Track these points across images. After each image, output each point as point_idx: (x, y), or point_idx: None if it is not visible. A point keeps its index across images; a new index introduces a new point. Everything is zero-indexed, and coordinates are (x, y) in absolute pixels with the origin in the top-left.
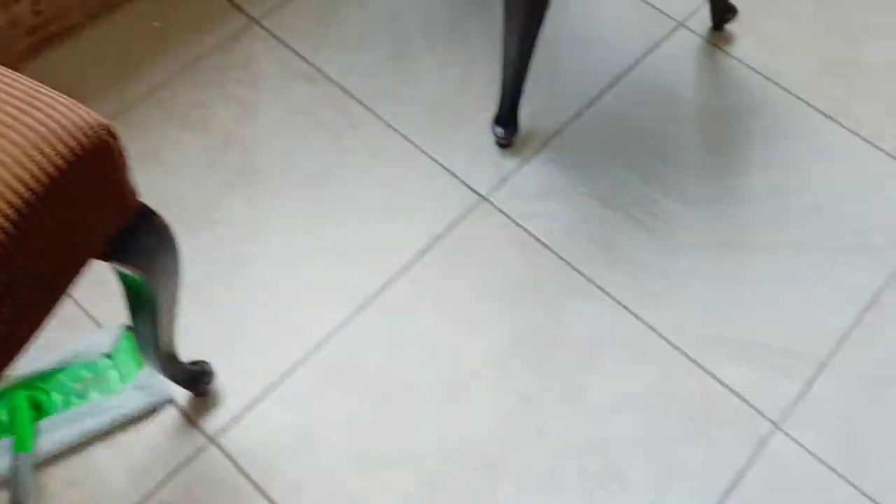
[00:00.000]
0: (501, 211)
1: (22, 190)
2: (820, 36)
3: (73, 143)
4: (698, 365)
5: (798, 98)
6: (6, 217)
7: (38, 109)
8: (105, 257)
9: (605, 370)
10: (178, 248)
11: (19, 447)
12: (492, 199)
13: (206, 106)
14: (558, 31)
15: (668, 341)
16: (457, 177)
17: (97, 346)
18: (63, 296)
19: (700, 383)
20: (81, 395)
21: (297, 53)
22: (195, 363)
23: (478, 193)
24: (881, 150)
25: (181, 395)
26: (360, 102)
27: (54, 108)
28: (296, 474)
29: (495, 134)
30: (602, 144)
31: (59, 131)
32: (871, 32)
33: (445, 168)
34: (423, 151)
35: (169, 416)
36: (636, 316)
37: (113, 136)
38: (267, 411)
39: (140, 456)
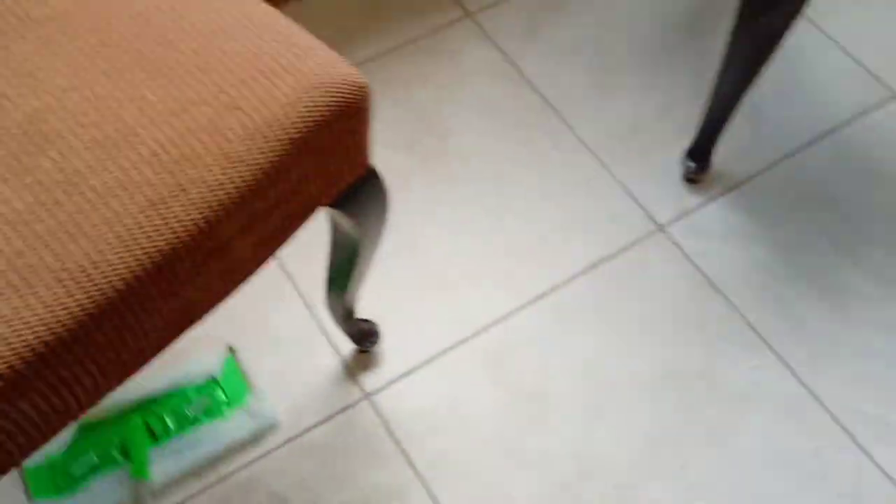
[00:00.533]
0: (677, 244)
1: (283, 134)
2: None
3: (338, 97)
4: (857, 443)
5: None
6: (272, 151)
7: (312, 59)
8: (332, 206)
9: (757, 424)
10: (388, 211)
11: (137, 473)
12: (669, 231)
13: (409, 86)
14: (769, 78)
15: (828, 411)
16: (637, 202)
17: (205, 368)
18: (294, 232)
19: (856, 462)
20: (194, 420)
21: (503, 52)
22: (366, 321)
23: (655, 222)
24: None
25: (347, 348)
26: (555, 110)
27: (326, 61)
28: (438, 445)
29: (685, 167)
30: (792, 199)
31: (329, 84)
32: None
33: (627, 191)
34: (609, 170)
35: (332, 365)
36: (799, 379)
37: (368, 96)
38: (422, 380)
39: (298, 395)
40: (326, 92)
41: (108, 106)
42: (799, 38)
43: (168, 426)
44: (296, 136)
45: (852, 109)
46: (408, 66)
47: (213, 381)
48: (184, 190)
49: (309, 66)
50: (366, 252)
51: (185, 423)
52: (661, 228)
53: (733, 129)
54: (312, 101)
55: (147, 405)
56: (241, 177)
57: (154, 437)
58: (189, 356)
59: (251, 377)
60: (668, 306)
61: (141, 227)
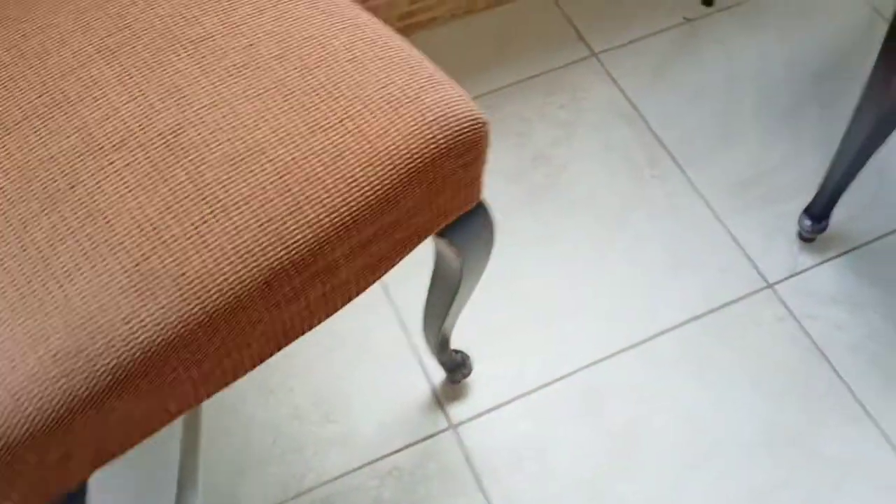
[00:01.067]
0: (785, 304)
1: (401, 163)
2: None
3: (456, 132)
4: None
5: None
6: (389, 178)
7: (436, 92)
8: (440, 235)
9: (854, 498)
10: (493, 244)
11: None
12: (777, 289)
13: (526, 121)
14: None
15: None
16: (748, 256)
17: None
18: (400, 260)
19: None
20: None
21: (624, 94)
22: (458, 352)
23: (765, 279)
24: None
25: (438, 376)
26: (672, 156)
27: (449, 95)
28: (518, 484)
29: (802, 225)
30: None
31: (449, 118)
32: None
33: (738, 244)
34: (721, 221)
35: (422, 391)
36: None
37: (486, 133)
38: (510, 416)
39: (386, 416)
40: (446, 125)
41: (244, 124)
42: None
43: None
44: (412, 166)
45: None
46: (528, 101)
47: None
48: (301, 209)
49: (432, 99)
50: (467, 283)
51: None
52: (770, 286)
53: (856, 188)
54: (431, 134)
55: None
56: (356, 201)
57: None
58: None
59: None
60: (771, 367)
61: (258, 242)
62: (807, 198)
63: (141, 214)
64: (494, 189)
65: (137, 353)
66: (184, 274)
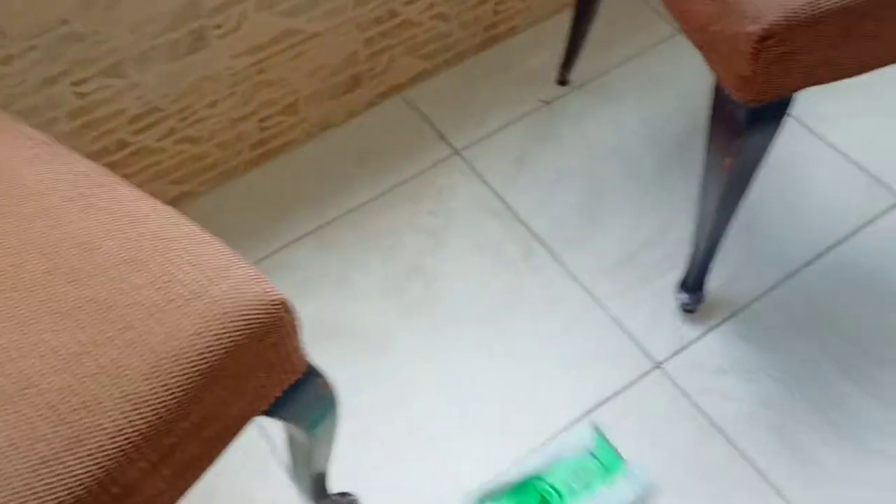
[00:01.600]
0: (675, 382)
1: (189, 366)
2: None
3: (250, 320)
4: None
5: None
6: (178, 386)
7: (224, 281)
8: (267, 414)
9: None
10: (337, 405)
11: None
12: (667, 368)
13: (396, 233)
14: (764, 193)
15: None
16: (633, 338)
17: (581, 444)
18: (223, 452)
19: None
20: (583, 488)
21: (490, 188)
22: (344, 494)
23: (652, 359)
24: None
25: None
26: (546, 246)
27: (240, 280)
28: None
29: (679, 299)
30: (795, 323)
31: (240, 307)
32: None
33: (622, 327)
34: (602, 306)
35: None
36: None
37: (289, 310)
38: None
39: None
40: (237, 316)
41: (9, 357)
42: (797, 148)
43: (561, 495)
44: (204, 367)
45: (856, 220)
46: (395, 211)
47: (591, 454)
48: (80, 441)
49: (220, 290)
50: (320, 447)
51: (573, 491)
52: (658, 366)
53: (729, 250)
54: (222, 328)
55: (537, 479)
56: (142, 418)
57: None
58: (564, 436)
59: None
60: (670, 451)
61: (32, 490)
62: (683, 267)
63: None
64: (372, 308)
65: None
66: None
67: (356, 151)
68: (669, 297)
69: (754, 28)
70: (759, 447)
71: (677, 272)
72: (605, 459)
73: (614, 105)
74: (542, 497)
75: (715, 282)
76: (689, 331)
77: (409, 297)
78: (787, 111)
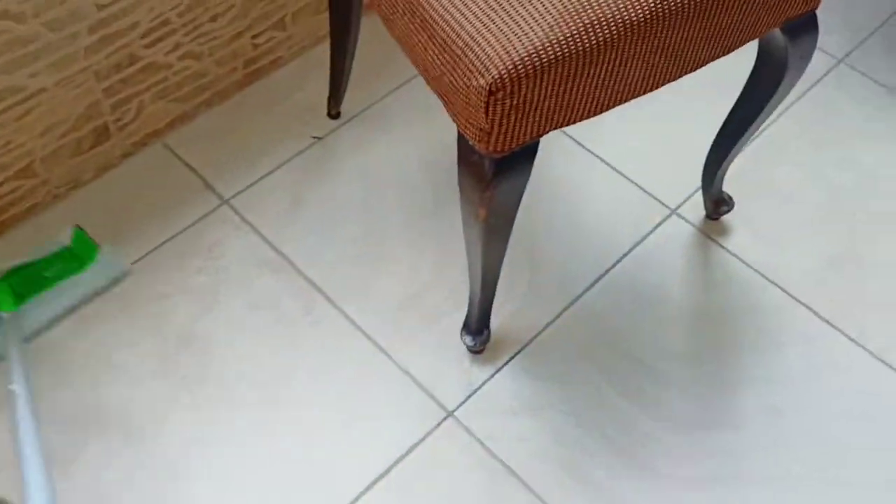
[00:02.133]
0: (468, 429)
1: None
2: (823, 229)
3: None
4: None
5: (797, 301)
6: None
7: None
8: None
9: None
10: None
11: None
12: (458, 415)
13: (165, 298)
14: (541, 217)
15: None
16: (423, 387)
17: (56, 243)
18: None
19: None
20: (53, 279)
21: (264, 239)
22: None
23: (444, 408)
24: (890, 366)
25: None
26: (326, 297)
27: None
28: None
29: (464, 342)
30: (581, 350)
31: None
32: (878, 224)
33: (411, 376)
34: (388, 356)
35: None
36: None
37: None
38: None
39: None
40: None
41: None
42: (570, 166)
43: (31, 286)
44: None
45: (632, 236)
46: (162, 272)
47: (65, 249)
48: None
49: None
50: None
51: (45, 282)
52: (450, 414)
53: (512, 282)
54: None
55: (9, 275)
56: None
57: (21, 298)
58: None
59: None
60: (472, 502)
61: None
62: (466, 307)
63: None
64: (137, 393)
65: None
66: None
67: (113, 209)
68: (456, 338)
69: (482, 82)
70: (552, 487)
71: (462, 311)
72: (82, 252)
73: (389, 135)
74: (13, 290)
75: (501, 317)
76: (478, 372)
77: (182, 372)
78: (534, 155)
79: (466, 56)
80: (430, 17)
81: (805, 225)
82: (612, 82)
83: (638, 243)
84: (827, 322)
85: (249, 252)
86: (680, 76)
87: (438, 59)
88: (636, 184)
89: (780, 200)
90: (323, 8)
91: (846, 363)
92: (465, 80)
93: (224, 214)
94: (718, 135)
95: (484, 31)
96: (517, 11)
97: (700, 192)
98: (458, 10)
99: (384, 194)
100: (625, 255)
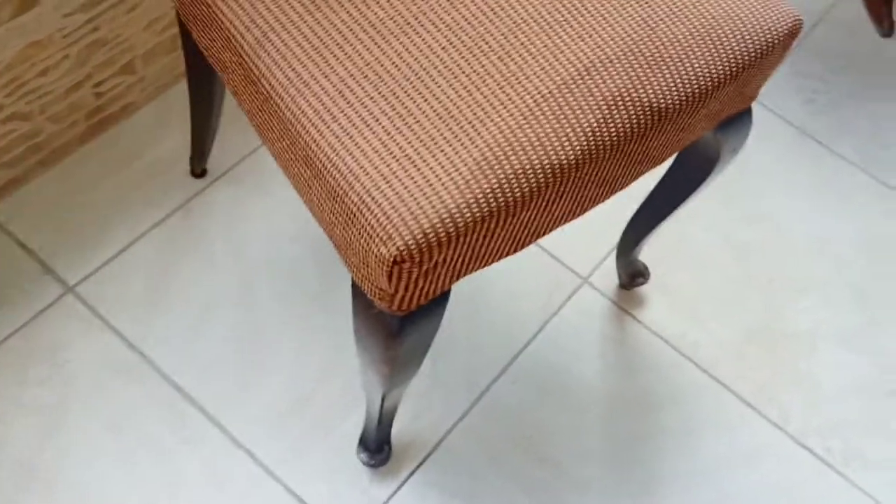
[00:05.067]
0: None
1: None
2: (740, 298)
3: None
4: None
5: (716, 380)
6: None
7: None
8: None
9: None
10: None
11: None
12: None
13: (1, 418)
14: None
15: None
16: None
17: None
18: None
19: None
20: None
21: (120, 337)
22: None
23: None
24: (809, 450)
25: None
26: (199, 407)
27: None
28: None
29: (361, 459)
30: (492, 455)
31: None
32: (795, 289)
33: (300, 500)
34: (275, 476)
35: None
36: None
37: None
38: None
39: None
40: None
41: None
42: None
43: None
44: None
45: (542, 313)
46: None
47: None
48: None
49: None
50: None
51: None
52: None
53: (414, 382)
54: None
55: None
56: None
57: None
58: None
59: None
60: None
61: None
62: (361, 408)
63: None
64: None
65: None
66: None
67: None
68: (350, 448)
69: (384, 251)
70: None
71: (356, 416)
72: None
73: (265, 197)
74: None
75: (400, 419)
76: (378, 492)
77: None
78: (447, 300)
79: (363, 216)
80: (315, 156)
81: (722, 292)
82: (535, 224)
83: (548, 320)
84: (747, 404)
85: (103, 355)
86: (609, 197)
87: (327, 205)
88: (544, 249)
89: (695, 266)
90: (177, 46)
91: (768, 449)
92: (363, 242)
93: (68, 306)
94: (639, 213)
95: (384, 185)
96: (423, 160)
97: (611, 258)
98: (350, 153)
99: (260, 274)
100: (535, 335)
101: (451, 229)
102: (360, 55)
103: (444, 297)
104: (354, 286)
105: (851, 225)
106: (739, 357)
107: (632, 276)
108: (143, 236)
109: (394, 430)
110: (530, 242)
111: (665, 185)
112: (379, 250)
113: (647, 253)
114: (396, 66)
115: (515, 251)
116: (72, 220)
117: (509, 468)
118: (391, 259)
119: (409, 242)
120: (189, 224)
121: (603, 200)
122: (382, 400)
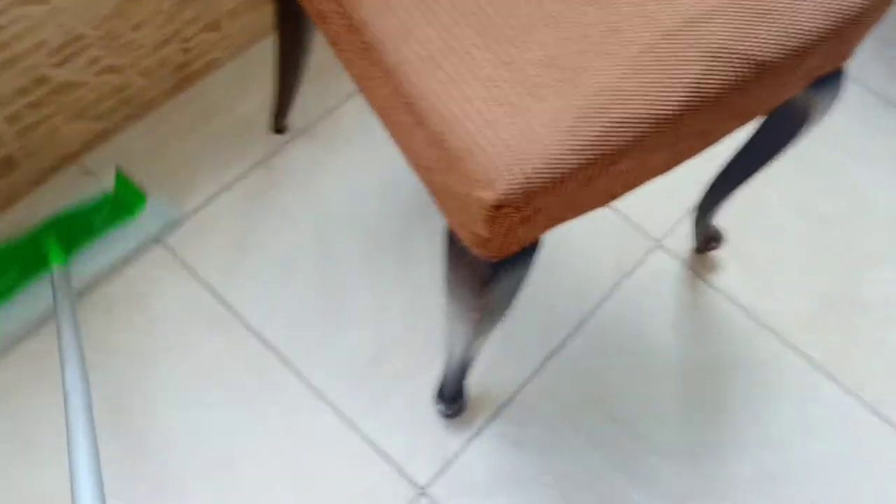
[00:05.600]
0: None
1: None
2: (816, 267)
3: None
4: None
5: (789, 345)
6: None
7: None
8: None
9: None
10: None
11: (56, 261)
12: (432, 493)
13: (89, 363)
14: None
15: None
16: (392, 461)
17: (99, 190)
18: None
19: None
20: (100, 228)
21: (207, 287)
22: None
23: (416, 485)
24: (884, 419)
25: None
26: (281, 356)
27: None
28: None
29: (438, 410)
30: (564, 412)
31: None
32: (873, 260)
33: (378, 449)
34: (354, 426)
35: None
36: None
37: None
38: None
39: None
40: None
41: None
42: None
43: (79, 236)
44: None
45: (615, 274)
46: (83, 327)
47: (109, 196)
48: None
49: None
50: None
51: (94, 231)
52: (423, 492)
53: (494, 347)
54: None
55: (53, 224)
56: None
57: (69, 249)
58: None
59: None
60: None
61: None
62: (439, 367)
63: None
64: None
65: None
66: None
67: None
68: (427, 400)
69: (486, 195)
70: None
71: (434, 369)
72: (127, 198)
73: (345, 154)
74: (59, 242)
75: (475, 372)
76: (452, 441)
77: (112, 451)
78: (539, 249)
79: (466, 161)
80: (418, 102)
81: (797, 261)
82: (632, 175)
83: (621, 282)
84: (822, 371)
85: (188, 303)
86: (702, 151)
87: (427, 152)
88: (618, 210)
89: (772, 234)
90: (259, 4)
91: (842, 418)
92: (463, 186)
93: (156, 255)
94: (722, 174)
95: (488, 131)
96: (527, 107)
97: (684, 222)
98: (455, 99)
99: (340, 230)
100: (608, 296)
101: (553, 176)
102: (464, 3)
103: (536, 245)
104: (449, 234)
105: None
106: (814, 326)
107: (707, 240)
108: (226, 190)
109: (469, 384)
110: (623, 194)
111: (752, 145)
112: (480, 196)
113: (723, 219)
114: (500, 14)
115: (608, 202)
116: (157, 173)
117: (582, 424)
118: (493, 204)
119: (512, 188)
120: (270, 179)
121: (697, 154)
122: (465, 350)
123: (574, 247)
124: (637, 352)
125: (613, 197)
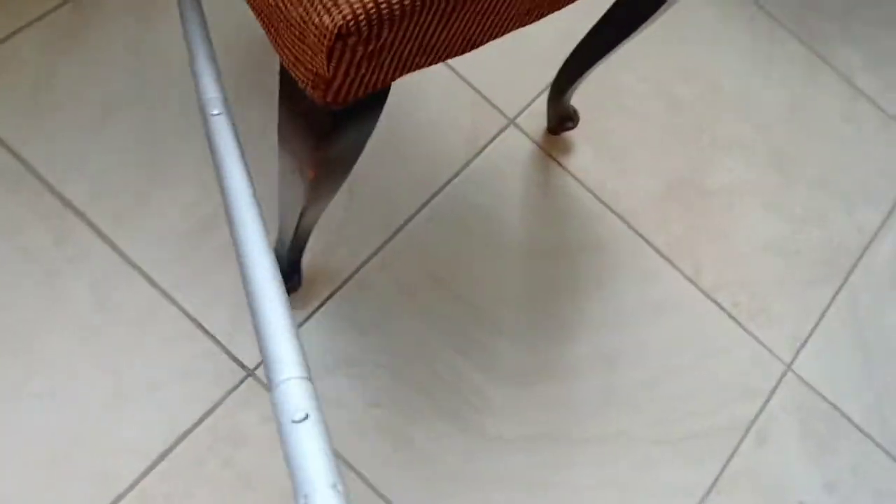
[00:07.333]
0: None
1: None
2: (666, 152)
3: None
4: None
5: (635, 231)
6: None
7: None
8: None
9: None
10: None
11: None
12: (260, 375)
13: None
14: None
15: None
16: (217, 341)
17: None
18: None
19: None
20: None
21: None
22: None
23: (243, 367)
24: (720, 306)
25: None
26: (88, 222)
27: None
28: None
29: None
30: (404, 289)
31: None
32: (720, 147)
33: (201, 326)
34: (173, 300)
35: None
36: None
37: None
38: None
39: None
40: None
41: None
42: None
43: None
44: None
45: (466, 149)
46: None
47: None
48: None
49: None
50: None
51: None
52: (250, 373)
53: (328, 208)
54: None
55: None
56: None
57: None
58: None
59: None
60: (267, 498)
61: None
62: (273, 233)
63: None
64: None
65: None
66: None
67: None
68: None
69: (327, 21)
70: (370, 459)
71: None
72: None
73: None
74: None
75: (311, 251)
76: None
77: None
78: (385, 100)
79: None
80: None
81: (649, 145)
82: (492, 17)
83: (471, 160)
84: (663, 256)
85: None
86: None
87: None
88: (472, 86)
89: (625, 115)
90: None
91: (679, 302)
92: (302, 12)
93: None
94: (577, 51)
95: None
96: None
97: (540, 102)
98: None
99: (164, 75)
100: (456, 174)
101: (405, 5)
102: None
103: (383, 94)
104: (283, 73)
105: (782, 90)
106: (659, 210)
107: (561, 119)
108: (25, 27)
109: (305, 262)
110: (482, 42)
111: (606, 22)
112: (322, 20)
113: (578, 100)
114: None
115: (465, 50)
116: None
117: (422, 305)
118: (335, 30)
119: (358, 12)
120: (81, 17)
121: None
122: (300, 217)
123: (424, 119)
124: (483, 231)
125: (472, 43)
